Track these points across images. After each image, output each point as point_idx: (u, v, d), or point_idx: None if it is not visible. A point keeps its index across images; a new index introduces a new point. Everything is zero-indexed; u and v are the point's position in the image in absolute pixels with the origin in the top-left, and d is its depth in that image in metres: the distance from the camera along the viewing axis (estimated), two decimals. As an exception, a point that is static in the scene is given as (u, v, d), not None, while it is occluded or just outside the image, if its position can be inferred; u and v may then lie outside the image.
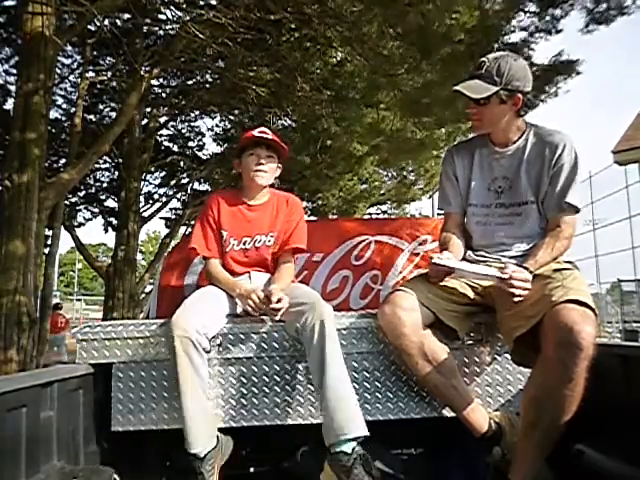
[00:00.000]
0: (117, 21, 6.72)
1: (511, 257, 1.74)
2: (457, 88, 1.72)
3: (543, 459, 1.45)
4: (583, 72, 5.67)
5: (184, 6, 5.24)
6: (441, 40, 4.55)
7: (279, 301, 1.71)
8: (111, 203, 10.99)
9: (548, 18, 5.01)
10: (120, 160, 8.74)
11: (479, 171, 1.83)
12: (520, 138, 1.77)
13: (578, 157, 1.69)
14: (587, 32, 5.02)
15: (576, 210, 1.70)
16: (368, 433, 1.53)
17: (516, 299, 1.51)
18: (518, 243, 1.76)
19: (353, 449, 1.49)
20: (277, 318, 1.75)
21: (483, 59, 1.71)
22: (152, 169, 10.71)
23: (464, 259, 1.82)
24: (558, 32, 5.25)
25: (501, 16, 4.96)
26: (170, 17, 6.39)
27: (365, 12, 4.56)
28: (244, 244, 1.98)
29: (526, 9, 5.07)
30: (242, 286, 1.86)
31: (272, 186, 2.10)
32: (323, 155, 8.10)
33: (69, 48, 7.49)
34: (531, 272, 1.55)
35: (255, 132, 1.99)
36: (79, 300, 30.67)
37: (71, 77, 8.40)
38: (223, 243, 1.98)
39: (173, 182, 10.94)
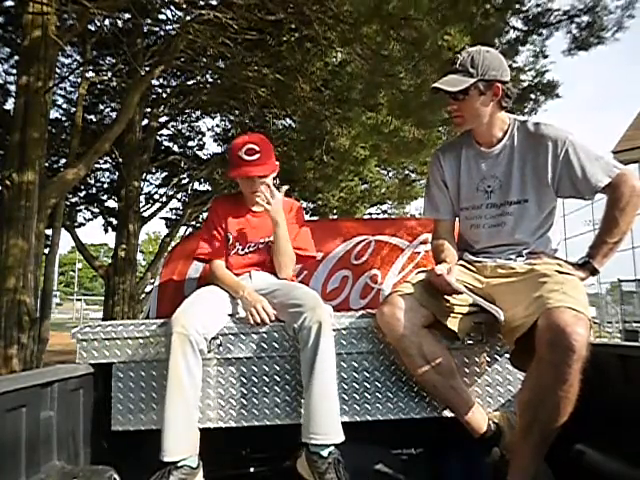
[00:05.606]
0: (117, 21, 6.70)
1: (508, 258, 1.74)
2: (435, 85, 1.69)
3: (541, 459, 1.44)
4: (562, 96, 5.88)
5: (184, 6, 5.23)
6: (432, 55, 4.62)
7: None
8: (111, 203, 10.99)
9: (535, 37, 5.17)
10: (120, 160, 8.71)
11: (467, 172, 1.81)
12: (506, 134, 1.74)
13: (576, 136, 1.64)
14: (569, 55, 5.21)
15: (618, 165, 1.62)
16: (344, 438, 1.57)
17: None
18: (514, 244, 1.74)
19: (329, 453, 1.54)
20: (272, 318, 1.80)
21: (457, 54, 1.69)
22: (152, 169, 10.70)
23: (461, 258, 1.82)
24: (545, 57, 5.54)
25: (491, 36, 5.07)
26: (170, 17, 6.39)
27: (364, 17, 4.59)
28: (248, 247, 2.03)
29: (514, 26, 5.18)
30: (245, 288, 1.87)
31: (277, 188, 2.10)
32: (327, 157, 8.07)
33: (69, 48, 7.47)
34: (594, 270, 1.58)
35: (242, 153, 1.89)
36: (79, 300, 30.75)
37: (71, 77, 8.37)
38: (229, 247, 2.03)
39: (173, 182, 10.92)
